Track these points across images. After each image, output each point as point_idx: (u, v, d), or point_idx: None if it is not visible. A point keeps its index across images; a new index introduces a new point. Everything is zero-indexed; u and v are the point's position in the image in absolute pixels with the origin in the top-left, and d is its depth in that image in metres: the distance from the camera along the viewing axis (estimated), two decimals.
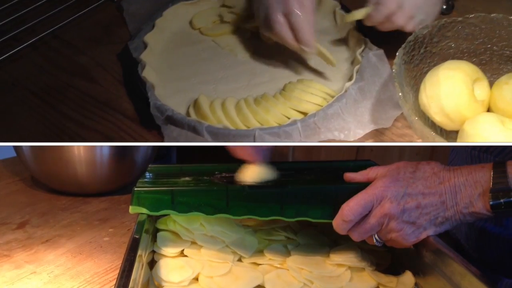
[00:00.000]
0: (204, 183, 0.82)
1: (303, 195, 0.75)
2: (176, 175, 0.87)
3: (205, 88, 0.93)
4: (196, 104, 0.89)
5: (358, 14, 0.92)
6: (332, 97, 0.87)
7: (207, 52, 1.01)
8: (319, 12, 1.02)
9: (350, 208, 0.70)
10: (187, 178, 0.84)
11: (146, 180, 0.85)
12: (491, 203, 0.65)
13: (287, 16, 0.88)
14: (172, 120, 0.86)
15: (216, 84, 0.94)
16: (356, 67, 0.90)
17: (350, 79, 0.89)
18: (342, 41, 1.00)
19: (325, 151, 2.26)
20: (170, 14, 1.05)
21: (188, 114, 0.88)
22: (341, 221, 0.71)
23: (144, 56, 0.95)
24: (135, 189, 0.76)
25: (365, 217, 0.71)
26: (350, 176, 0.76)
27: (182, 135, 0.85)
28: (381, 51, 0.91)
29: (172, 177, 0.86)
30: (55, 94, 0.96)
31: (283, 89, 0.91)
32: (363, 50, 0.93)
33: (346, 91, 0.87)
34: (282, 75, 0.95)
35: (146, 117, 0.89)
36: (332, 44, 0.99)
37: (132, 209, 0.76)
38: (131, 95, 0.95)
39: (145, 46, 0.98)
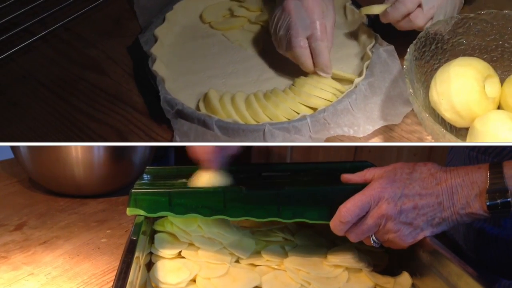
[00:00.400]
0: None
1: (300, 197, 0.75)
2: (173, 176, 0.88)
3: (214, 82, 0.93)
4: (206, 98, 0.88)
5: (376, 8, 0.90)
6: (342, 92, 0.86)
7: (217, 46, 1.01)
8: None
9: (348, 209, 0.70)
10: (184, 180, 0.84)
11: (143, 182, 0.85)
12: (488, 203, 0.65)
13: (310, 40, 0.87)
14: (182, 114, 0.85)
15: (225, 79, 0.94)
16: (366, 63, 0.89)
17: (360, 74, 0.88)
18: (352, 36, 0.99)
19: (323, 152, 2.27)
20: (180, 7, 1.05)
21: (198, 108, 0.88)
22: (338, 222, 0.71)
23: (155, 50, 0.95)
24: (132, 191, 0.76)
25: (362, 218, 0.71)
26: (347, 177, 0.77)
27: (192, 129, 0.84)
28: (391, 47, 0.90)
29: (169, 178, 0.87)
30: (66, 86, 0.96)
31: (293, 84, 0.90)
32: (373, 46, 0.92)
33: (356, 86, 0.86)
34: (291, 70, 0.93)
35: (156, 110, 0.89)
36: (342, 39, 0.98)
37: (130, 211, 0.76)
38: (141, 89, 0.95)
39: (155, 39, 0.98)
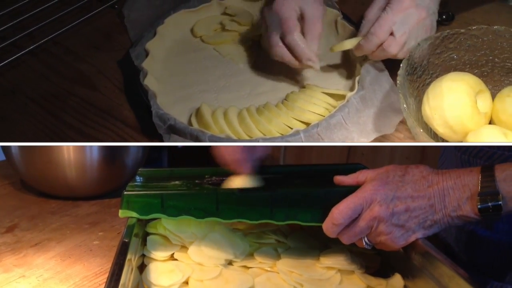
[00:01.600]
0: (194, 186, 0.82)
1: (293, 199, 0.74)
2: (166, 178, 0.87)
3: (207, 97, 0.93)
4: (198, 113, 0.88)
5: (348, 43, 0.92)
6: (334, 107, 0.87)
7: (209, 60, 1.01)
8: None
9: (340, 211, 0.70)
10: (177, 182, 0.84)
11: (136, 183, 0.85)
12: (479, 206, 0.65)
13: (282, 37, 0.89)
14: (175, 129, 0.85)
15: (218, 93, 0.94)
16: (357, 78, 0.89)
17: (351, 89, 0.89)
18: (343, 51, 0.99)
19: (316, 154, 2.27)
20: (171, 21, 1.05)
21: (190, 123, 0.88)
22: (331, 224, 0.71)
23: (146, 64, 0.94)
24: (125, 193, 0.76)
25: (354, 220, 0.71)
26: (339, 179, 0.76)
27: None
28: (379, 62, 0.91)
29: (162, 180, 0.86)
30: (55, 101, 0.95)
31: (286, 98, 0.91)
32: (363, 60, 0.92)
33: (348, 100, 0.86)
34: (283, 84, 0.95)
35: (148, 126, 0.89)
36: (332, 53, 0.98)
37: (122, 213, 0.76)
38: (132, 103, 0.94)
39: (146, 54, 0.98)
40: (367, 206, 0.70)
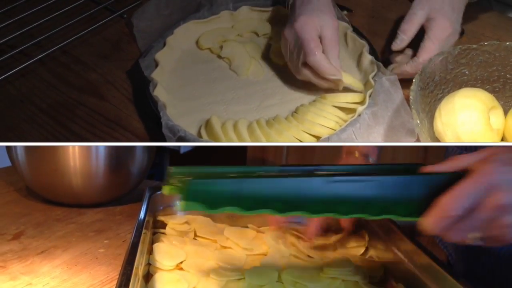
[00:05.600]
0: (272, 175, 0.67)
1: (392, 187, 0.62)
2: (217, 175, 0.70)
3: (216, 109, 0.92)
4: (208, 125, 0.88)
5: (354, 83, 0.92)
6: (345, 121, 0.87)
7: (218, 71, 1.01)
8: None
9: (453, 201, 0.58)
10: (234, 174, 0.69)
11: (183, 170, 0.69)
12: None
13: (306, 59, 0.89)
14: (185, 141, 0.84)
15: (227, 105, 0.93)
16: (369, 91, 0.89)
17: (362, 103, 0.89)
18: (354, 64, 0.99)
19: (319, 154, 2.25)
20: (181, 32, 1.05)
21: (199, 134, 0.87)
22: (439, 218, 0.59)
23: (155, 75, 0.94)
24: (191, 179, 0.60)
25: (467, 211, 0.58)
26: (431, 169, 0.64)
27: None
28: (394, 76, 0.91)
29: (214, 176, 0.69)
30: (64, 111, 0.95)
31: (296, 111, 0.90)
32: (375, 74, 0.92)
33: (359, 115, 0.86)
34: (293, 97, 0.95)
35: (157, 137, 0.87)
36: (343, 67, 0.97)
37: (185, 206, 0.60)
38: (141, 114, 0.94)
39: (156, 64, 0.98)
40: (487, 193, 0.57)
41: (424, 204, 0.60)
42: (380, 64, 0.94)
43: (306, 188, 0.61)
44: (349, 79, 0.91)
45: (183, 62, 1.02)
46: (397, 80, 0.91)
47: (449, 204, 0.58)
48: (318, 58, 0.87)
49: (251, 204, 0.60)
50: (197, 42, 1.06)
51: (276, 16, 1.10)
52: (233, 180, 0.61)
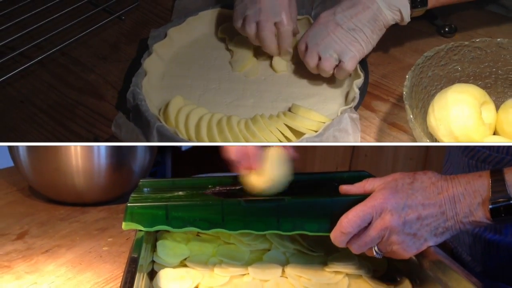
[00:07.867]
0: (198, 197, 0.81)
1: (300, 208, 0.74)
2: (169, 189, 0.86)
3: (191, 92, 0.96)
4: (168, 103, 0.91)
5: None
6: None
7: (219, 60, 1.04)
8: None
9: (349, 220, 0.69)
10: (180, 193, 0.84)
11: (139, 195, 0.83)
12: (491, 210, 0.65)
13: (277, 26, 0.96)
14: (137, 110, 0.89)
15: (204, 92, 0.97)
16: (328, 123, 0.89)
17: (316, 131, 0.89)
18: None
19: (319, 157, 2.24)
20: (205, 16, 1.08)
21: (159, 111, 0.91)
22: (339, 233, 0.70)
23: (158, 45, 0.98)
24: (128, 204, 0.75)
25: (364, 229, 0.70)
26: (345, 188, 0.76)
27: (125, 124, 0.88)
28: (356, 115, 0.89)
29: (165, 191, 0.85)
30: (64, 111, 0.96)
31: (252, 119, 0.91)
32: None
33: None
34: (265, 105, 0.95)
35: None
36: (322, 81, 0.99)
37: (126, 226, 0.75)
38: None
39: (164, 35, 1.01)
40: (377, 215, 0.69)
41: (331, 222, 0.72)
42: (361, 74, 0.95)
43: (225, 210, 0.73)
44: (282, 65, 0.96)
45: (197, 43, 1.06)
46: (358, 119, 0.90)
47: (347, 223, 0.69)
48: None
49: (178, 224, 0.74)
50: (217, 29, 1.09)
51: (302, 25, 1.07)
52: (161, 205, 0.74)
